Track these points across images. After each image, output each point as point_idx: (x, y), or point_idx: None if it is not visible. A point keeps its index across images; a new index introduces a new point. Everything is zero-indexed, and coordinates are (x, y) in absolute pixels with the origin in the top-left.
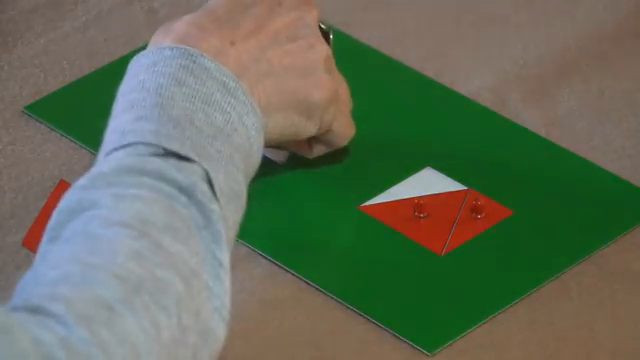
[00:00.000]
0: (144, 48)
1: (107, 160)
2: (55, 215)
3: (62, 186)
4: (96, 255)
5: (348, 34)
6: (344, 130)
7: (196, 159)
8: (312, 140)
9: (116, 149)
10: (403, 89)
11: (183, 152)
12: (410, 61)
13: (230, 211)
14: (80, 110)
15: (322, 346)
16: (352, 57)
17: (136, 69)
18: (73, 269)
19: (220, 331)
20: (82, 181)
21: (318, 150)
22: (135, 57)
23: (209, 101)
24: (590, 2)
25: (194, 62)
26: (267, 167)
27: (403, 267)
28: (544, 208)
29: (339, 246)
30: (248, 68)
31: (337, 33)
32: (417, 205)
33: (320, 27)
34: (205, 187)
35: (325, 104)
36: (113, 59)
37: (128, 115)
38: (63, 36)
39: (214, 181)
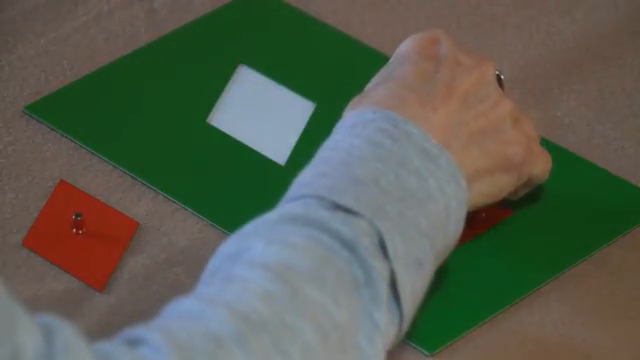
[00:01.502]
0: (144, 48)
1: (279, 209)
2: (212, 260)
3: (62, 186)
4: (224, 292)
5: (348, 34)
6: (542, 170)
7: (367, 215)
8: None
9: (290, 200)
10: None
11: (354, 207)
12: None
13: (408, 277)
14: (80, 110)
15: None
16: (352, 57)
17: (336, 131)
18: (193, 304)
19: None
20: (248, 227)
21: (520, 192)
22: (343, 117)
23: (405, 164)
24: (590, 2)
25: (395, 126)
26: (267, 167)
27: None
28: (544, 208)
29: None
30: (454, 135)
31: (337, 33)
32: None
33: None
34: (371, 244)
35: (522, 158)
36: (113, 59)
37: (313, 170)
38: (63, 36)
39: (387, 241)
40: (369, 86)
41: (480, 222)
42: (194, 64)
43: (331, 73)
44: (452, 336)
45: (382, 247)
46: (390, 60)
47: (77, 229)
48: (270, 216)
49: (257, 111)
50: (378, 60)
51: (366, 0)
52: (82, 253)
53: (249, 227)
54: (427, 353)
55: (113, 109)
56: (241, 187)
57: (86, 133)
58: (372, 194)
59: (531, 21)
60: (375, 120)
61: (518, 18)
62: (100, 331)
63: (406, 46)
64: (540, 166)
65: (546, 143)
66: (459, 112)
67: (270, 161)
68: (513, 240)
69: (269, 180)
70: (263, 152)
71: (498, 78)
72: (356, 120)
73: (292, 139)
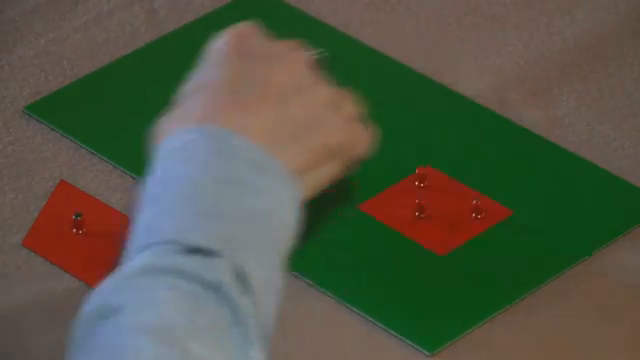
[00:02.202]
0: (144, 48)
1: (132, 261)
2: (80, 322)
3: (62, 186)
4: None
5: (348, 34)
6: (364, 149)
7: (224, 251)
8: None
9: (141, 249)
10: (403, 89)
11: (210, 246)
12: (410, 61)
13: (268, 299)
14: (80, 110)
15: (322, 346)
16: (352, 57)
17: (164, 155)
18: None
19: None
20: (105, 284)
21: (349, 171)
22: (164, 141)
23: (241, 183)
24: (590, 2)
25: (221, 142)
26: None
27: (403, 267)
28: (544, 208)
29: (339, 246)
30: (275, 136)
31: (337, 33)
32: (417, 205)
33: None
34: (234, 281)
35: (343, 143)
36: (113, 59)
37: (154, 209)
38: (63, 36)
39: (247, 272)
40: (184, 92)
41: (480, 222)
42: (194, 64)
43: (331, 73)
44: (452, 336)
45: (242, 279)
46: (201, 63)
47: (77, 229)
48: (127, 271)
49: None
50: (378, 60)
51: (366, 0)
52: (82, 253)
53: (108, 285)
54: (427, 353)
55: (113, 109)
56: None
57: (86, 133)
58: (220, 225)
59: (531, 21)
60: (199, 140)
61: (518, 18)
62: None
63: (216, 47)
64: (362, 145)
65: (546, 143)
66: (278, 110)
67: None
68: (513, 240)
69: None
70: None
71: (321, 59)
72: (179, 143)
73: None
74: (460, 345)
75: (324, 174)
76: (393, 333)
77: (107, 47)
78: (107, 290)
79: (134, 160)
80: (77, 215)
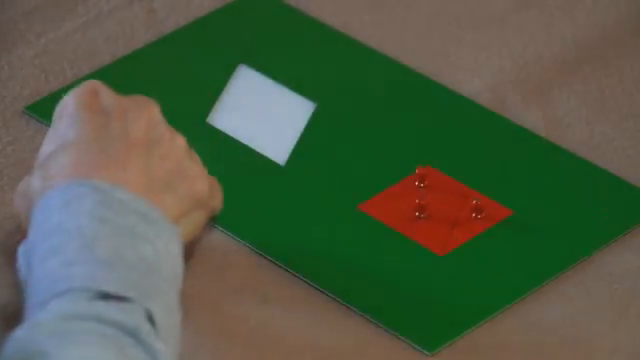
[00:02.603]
0: (144, 48)
1: (44, 310)
2: None
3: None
4: None
5: (348, 34)
6: (219, 199)
7: (136, 298)
8: None
9: (48, 300)
10: (403, 89)
11: (121, 292)
12: (410, 61)
13: (170, 344)
14: None
15: (322, 346)
16: (352, 57)
17: (45, 211)
18: None
19: None
20: (19, 332)
21: (210, 222)
22: (41, 200)
23: (134, 234)
24: (590, 2)
25: (107, 196)
26: (267, 167)
27: (403, 267)
28: (544, 208)
29: (339, 246)
30: (149, 189)
31: (337, 33)
32: (417, 205)
33: None
34: (148, 326)
35: (208, 190)
36: (113, 59)
37: (54, 260)
38: (63, 36)
39: (155, 318)
40: (42, 154)
41: (480, 222)
42: (194, 64)
43: (331, 73)
44: (452, 336)
45: (152, 323)
46: (54, 121)
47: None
48: (43, 319)
49: (257, 111)
50: (378, 60)
51: (366, 0)
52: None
53: (22, 333)
54: (427, 353)
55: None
56: (241, 187)
57: None
58: (125, 272)
59: (531, 21)
60: (87, 193)
61: (518, 18)
62: None
63: (68, 104)
64: (218, 197)
65: (546, 143)
66: (144, 163)
67: (270, 161)
68: (513, 240)
69: (269, 180)
70: (263, 152)
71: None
72: (67, 196)
73: (292, 139)
74: (460, 345)
75: (195, 222)
76: (393, 333)
77: (107, 47)
78: (23, 338)
79: None
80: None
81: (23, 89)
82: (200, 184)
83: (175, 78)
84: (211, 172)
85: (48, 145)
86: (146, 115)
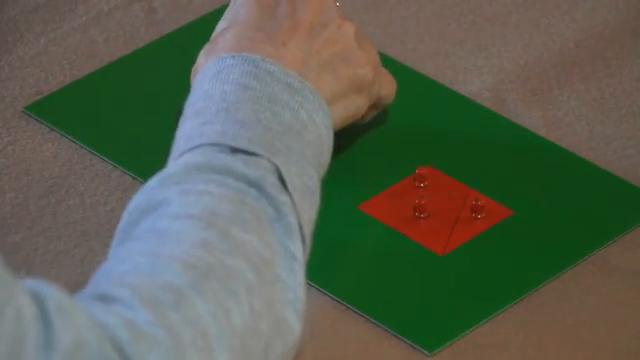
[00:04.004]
0: (144, 48)
1: (175, 162)
2: (125, 217)
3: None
4: (164, 246)
5: None
6: (388, 89)
7: (264, 154)
8: None
9: (183, 153)
10: (403, 89)
11: (250, 149)
12: (410, 61)
13: (304, 206)
14: (80, 110)
15: (322, 346)
16: None
17: (200, 81)
18: (141, 260)
19: (294, 323)
20: (151, 182)
21: (370, 115)
22: (199, 72)
23: (276, 100)
24: (590, 2)
25: (257, 67)
26: None
27: (403, 267)
28: (544, 208)
29: (339, 246)
30: (307, 66)
31: None
32: (417, 205)
33: None
34: (275, 180)
35: (372, 78)
36: (113, 59)
37: (193, 121)
38: (63, 36)
39: (285, 175)
40: (217, 31)
41: (480, 222)
42: (194, 64)
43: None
44: (452, 336)
45: (281, 181)
46: (232, 1)
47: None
48: (173, 169)
49: None
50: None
51: (366, 0)
52: None
53: (152, 182)
54: (427, 353)
55: (113, 109)
56: None
57: (86, 133)
58: (259, 133)
59: (531, 21)
60: (237, 65)
61: (518, 18)
62: None
63: None
64: (387, 85)
65: (546, 143)
66: (307, 42)
67: None
68: (513, 240)
69: None
70: None
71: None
72: (219, 67)
73: None
74: (460, 345)
75: (351, 107)
76: (393, 333)
77: (107, 47)
78: (152, 186)
79: (134, 160)
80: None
81: (23, 89)
82: (363, 70)
83: (175, 78)
84: None
85: (222, 22)
86: (317, 0)
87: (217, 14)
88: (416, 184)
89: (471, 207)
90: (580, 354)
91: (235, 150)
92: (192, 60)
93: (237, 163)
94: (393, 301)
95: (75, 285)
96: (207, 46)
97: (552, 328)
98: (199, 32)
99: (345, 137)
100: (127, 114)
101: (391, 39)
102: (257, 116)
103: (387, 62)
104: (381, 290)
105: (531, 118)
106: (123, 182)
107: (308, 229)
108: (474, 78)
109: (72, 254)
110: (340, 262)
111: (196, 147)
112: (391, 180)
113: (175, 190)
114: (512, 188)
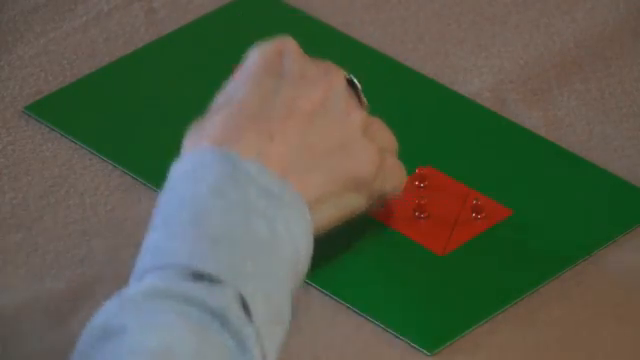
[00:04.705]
0: (144, 48)
1: (138, 283)
2: (83, 336)
3: None
4: None
5: (348, 34)
6: (394, 183)
7: (231, 281)
8: None
9: (148, 271)
10: (403, 89)
11: (217, 274)
12: (410, 61)
13: (273, 334)
14: (80, 110)
15: (322, 346)
16: (352, 57)
17: (174, 178)
18: None
19: None
20: (111, 304)
21: (377, 207)
22: (174, 163)
23: (251, 209)
24: (590, 2)
25: (235, 168)
26: None
27: (403, 267)
28: (544, 208)
29: (338, 246)
30: (293, 163)
31: (337, 33)
32: (417, 205)
33: (347, 80)
34: (239, 311)
35: (372, 176)
36: (113, 59)
37: (162, 233)
38: (63, 36)
39: (251, 304)
40: (215, 102)
41: (480, 222)
42: (194, 64)
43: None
44: (452, 336)
45: (246, 309)
46: (236, 73)
47: None
48: (134, 292)
49: None
50: (378, 60)
51: (366, 0)
52: None
53: (113, 305)
54: (427, 353)
55: (113, 109)
56: None
57: (86, 133)
58: (229, 253)
59: (531, 21)
60: (214, 163)
61: (518, 18)
62: None
63: (251, 60)
64: (393, 181)
65: (546, 143)
66: (300, 135)
67: None
68: (513, 240)
69: None
70: None
71: (352, 84)
72: (195, 164)
73: None
74: (460, 345)
75: (345, 206)
76: (393, 333)
77: (107, 47)
78: (112, 310)
79: (134, 160)
80: None
81: (23, 89)
82: (364, 166)
83: (175, 78)
84: None
85: (220, 96)
86: (324, 85)
87: (217, 14)
88: (416, 184)
89: (471, 207)
90: (580, 354)
91: (200, 275)
92: (192, 60)
93: (201, 292)
94: (393, 301)
95: (75, 285)
96: (197, 124)
97: (552, 328)
98: (199, 32)
99: None
100: (127, 114)
101: (391, 39)
102: (229, 230)
103: (387, 62)
104: (381, 290)
105: (531, 118)
106: (123, 182)
107: (274, 356)
108: (474, 78)
109: (72, 254)
110: (340, 262)
111: (161, 267)
112: None
113: (134, 319)
114: (512, 188)
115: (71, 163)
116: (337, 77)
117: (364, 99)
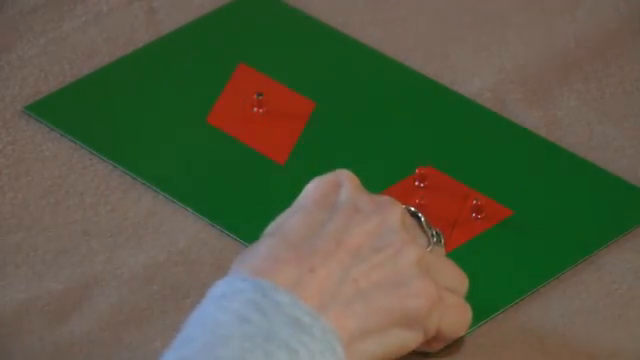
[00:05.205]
0: (144, 48)
1: None
2: None
3: (242, 69)
4: None
5: (348, 34)
6: (455, 324)
7: None
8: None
9: None
10: (403, 89)
11: None
12: (410, 61)
13: None
14: (80, 110)
15: None
16: (352, 57)
17: (205, 301)
18: None
19: None
20: None
21: (438, 345)
22: (216, 284)
23: (273, 339)
24: (590, 2)
25: (264, 296)
26: (267, 167)
27: None
28: (544, 208)
29: None
30: (334, 295)
31: (337, 33)
32: (417, 205)
33: (410, 211)
34: None
35: (426, 312)
36: (113, 59)
37: (176, 354)
38: (63, 36)
39: None
40: (263, 234)
41: (480, 222)
42: (194, 64)
43: (331, 73)
44: None
45: None
46: (294, 203)
47: (258, 108)
48: None
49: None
50: (378, 60)
51: (366, 0)
52: (264, 130)
53: None
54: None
55: (113, 109)
56: (241, 187)
57: (86, 133)
58: None
59: (531, 21)
60: (244, 291)
61: (518, 18)
62: (100, 331)
63: (308, 191)
64: (452, 319)
65: (546, 143)
66: (344, 269)
67: (270, 161)
68: (513, 240)
69: (269, 180)
70: (263, 152)
71: (416, 216)
72: (225, 290)
73: (292, 139)
74: (460, 345)
75: (392, 343)
76: None
77: (107, 47)
78: None
79: (134, 160)
80: (259, 94)
81: (23, 89)
82: (415, 302)
83: (175, 78)
84: (211, 172)
85: (271, 225)
86: (378, 219)
87: (217, 14)
88: (416, 184)
89: (471, 207)
90: (580, 354)
91: None
92: (192, 60)
93: None
94: None
95: (75, 285)
96: (244, 251)
97: (552, 328)
98: (199, 32)
99: (345, 137)
100: (127, 114)
101: (391, 39)
102: (244, 356)
103: (387, 62)
104: None
105: (531, 118)
106: (123, 182)
107: None
108: (474, 78)
109: (72, 254)
110: None
111: None
112: (391, 180)
113: None
114: (512, 188)
115: (71, 163)
116: (393, 211)
117: (431, 230)
